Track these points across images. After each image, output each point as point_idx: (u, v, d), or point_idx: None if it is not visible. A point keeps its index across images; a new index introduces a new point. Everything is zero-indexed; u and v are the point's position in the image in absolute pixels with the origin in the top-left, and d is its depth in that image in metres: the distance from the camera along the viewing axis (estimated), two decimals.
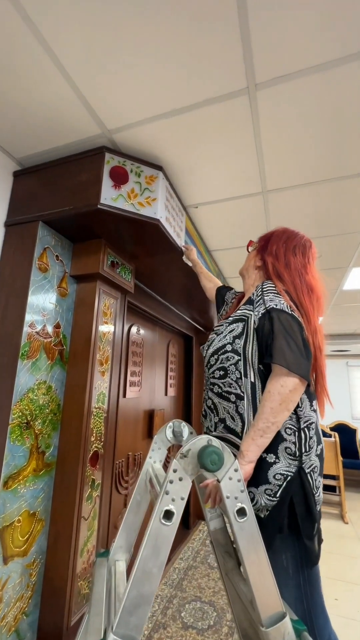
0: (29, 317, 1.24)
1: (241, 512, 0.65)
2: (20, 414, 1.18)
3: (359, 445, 4.75)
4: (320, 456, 0.87)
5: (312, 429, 0.86)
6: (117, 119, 1.21)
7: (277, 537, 0.80)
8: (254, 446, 0.78)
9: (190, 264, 1.67)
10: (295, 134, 1.26)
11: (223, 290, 1.41)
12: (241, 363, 0.90)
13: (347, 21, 0.88)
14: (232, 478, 0.66)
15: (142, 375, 2.34)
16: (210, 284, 1.54)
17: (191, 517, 2.95)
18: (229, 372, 0.92)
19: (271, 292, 0.91)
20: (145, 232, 1.40)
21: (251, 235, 2.07)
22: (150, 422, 2.43)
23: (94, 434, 1.39)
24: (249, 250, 1.20)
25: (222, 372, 0.94)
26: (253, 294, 0.98)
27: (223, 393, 0.93)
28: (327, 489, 4.12)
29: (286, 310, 0.85)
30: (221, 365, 0.94)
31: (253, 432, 0.79)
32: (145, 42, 0.94)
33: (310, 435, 0.84)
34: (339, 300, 3.46)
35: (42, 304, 1.31)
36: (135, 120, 1.21)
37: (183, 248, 1.62)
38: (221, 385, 0.94)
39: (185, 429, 0.99)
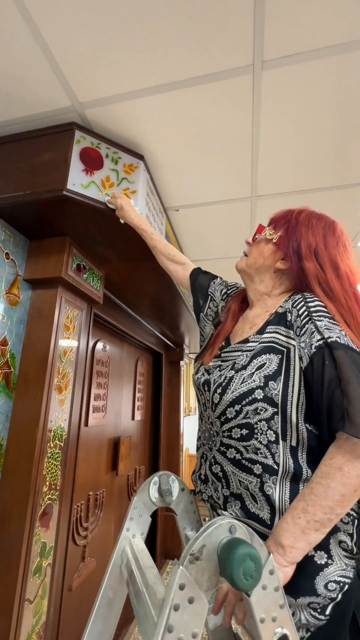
0: None
1: None
2: None
3: None
4: None
5: None
6: (92, 90, 0.98)
7: None
8: (303, 542, 0.52)
9: (123, 220, 1.07)
10: (296, 129, 1.12)
11: (202, 278, 1.00)
12: (278, 419, 0.62)
13: None
14: (266, 587, 0.43)
15: (107, 399, 2.03)
16: (176, 265, 1.07)
17: (157, 555, 2.62)
18: (256, 431, 0.63)
19: (325, 317, 0.63)
20: (121, 231, 1.17)
21: (233, 245, 1.93)
22: (115, 452, 2.12)
23: (47, 482, 1.08)
24: (258, 237, 0.81)
25: (245, 432, 0.64)
26: (288, 311, 0.69)
27: (243, 461, 0.64)
28: None
29: (353, 346, 0.58)
30: (246, 421, 0.64)
31: (306, 521, 0.52)
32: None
33: None
34: None
35: None
36: (115, 94, 0.99)
37: (108, 203, 1.05)
38: (242, 449, 0.65)
39: (175, 485, 0.74)
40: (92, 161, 1.05)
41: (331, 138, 1.15)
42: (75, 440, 1.28)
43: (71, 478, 1.24)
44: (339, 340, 0.59)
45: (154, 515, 0.74)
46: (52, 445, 1.12)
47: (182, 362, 3.28)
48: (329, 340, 0.59)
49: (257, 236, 0.82)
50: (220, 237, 1.84)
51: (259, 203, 1.53)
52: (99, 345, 1.96)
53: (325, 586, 0.54)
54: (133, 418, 2.47)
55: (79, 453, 1.32)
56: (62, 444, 1.18)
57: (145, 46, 0.86)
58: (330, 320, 0.63)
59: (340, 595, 0.54)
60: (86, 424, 1.72)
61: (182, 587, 0.40)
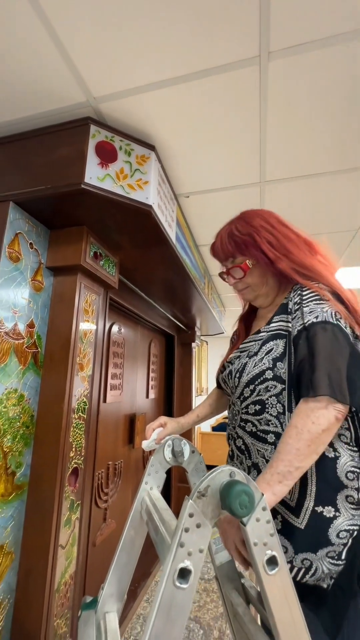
0: None
1: (272, 562, 0.53)
2: None
3: None
4: None
5: None
6: (105, 85, 1.03)
7: (351, 607, 0.64)
8: (269, 494, 0.60)
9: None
10: (302, 117, 1.15)
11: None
12: (285, 394, 0.71)
13: None
14: (260, 519, 0.53)
15: (123, 378, 2.17)
16: (207, 407, 1.06)
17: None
18: (267, 405, 0.73)
19: (312, 300, 0.72)
20: (134, 220, 1.24)
21: None
22: (131, 428, 2.27)
23: (74, 449, 1.22)
24: (245, 269, 0.86)
25: (258, 407, 0.75)
26: (289, 298, 0.78)
27: (258, 432, 0.75)
28: None
29: (330, 319, 0.67)
30: (258, 397, 0.75)
31: (269, 474, 0.61)
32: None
33: None
34: None
35: (13, 299, 1.12)
36: (127, 88, 1.04)
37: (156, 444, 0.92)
38: (256, 422, 0.75)
39: (187, 448, 0.85)
40: (107, 154, 1.12)
41: (338, 122, 1.17)
42: (95, 415, 1.41)
43: (93, 447, 1.38)
44: (315, 321, 0.68)
45: (168, 477, 0.85)
46: (76, 417, 1.25)
47: (193, 344, 3.39)
48: (307, 323, 0.68)
49: (240, 273, 0.87)
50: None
51: (268, 188, 1.56)
52: (115, 328, 2.07)
53: (337, 535, 0.64)
54: (147, 396, 2.62)
55: (99, 426, 1.46)
56: (85, 416, 1.31)
57: (155, 41, 0.90)
58: (317, 302, 0.71)
59: (350, 540, 0.63)
60: (104, 401, 1.86)
61: (191, 515, 0.50)
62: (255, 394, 0.76)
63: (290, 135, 1.23)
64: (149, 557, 2.33)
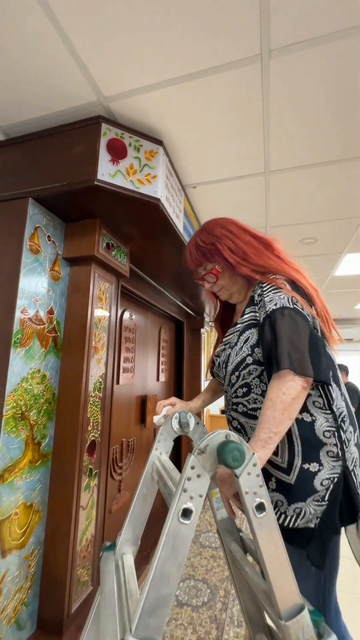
0: (21, 302, 1.16)
1: (260, 508, 0.63)
2: (15, 404, 1.12)
3: None
4: (359, 444, 0.83)
5: (347, 420, 0.81)
6: (115, 85, 1.10)
7: (333, 541, 0.77)
8: (260, 450, 0.71)
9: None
10: (305, 109, 1.19)
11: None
12: (265, 374, 0.81)
13: None
14: (250, 473, 0.64)
15: (135, 362, 2.29)
16: (209, 393, 1.19)
17: None
18: (252, 387, 0.84)
19: (270, 291, 0.82)
20: (144, 212, 1.32)
21: (249, 217, 2.02)
22: (142, 408, 2.41)
23: (91, 423, 1.35)
24: (216, 274, 0.97)
25: (245, 389, 0.85)
26: (254, 292, 0.89)
27: (248, 411, 0.85)
28: None
29: (287, 304, 0.78)
30: (244, 381, 0.85)
31: (254, 442, 0.72)
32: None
33: (346, 427, 0.80)
34: (328, 287, 3.48)
35: (34, 289, 1.23)
36: (136, 87, 1.11)
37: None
38: (245, 403, 0.86)
39: (192, 420, 0.96)
40: (117, 151, 1.19)
41: (341, 113, 1.20)
42: (109, 395, 1.54)
43: (108, 424, 1.51)
44: (274, 308, 0.78)
45: (179, 448, 0.97)
46: (93, 395, 1.37)
47: (202, 330, 3.48)
48: (269, 311, 0.79)
49: (212, 278, 0.99)
50: (236, 210, 1.93)
51: (273, 177, 1.61)
52: (126, 314, 2.18)
53: (321, 483, 0.76)
54: (158, 379, 2.75)
55: (113, 406, 1.59)
56: (100, 395, 1.43)
57: (162, 42, 0.96)
58: (274, 292, 0.82)
59: (332, 485, 0.75)
60: (117, 382, 1.99)
61: (192, 467, 0.61)
62: (240, 379, 0.87)
63: (293, 126, 1.27)
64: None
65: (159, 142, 1.29)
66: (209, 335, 4.40)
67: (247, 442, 0.83)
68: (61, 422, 1.29)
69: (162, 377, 2.85)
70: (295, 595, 0.63)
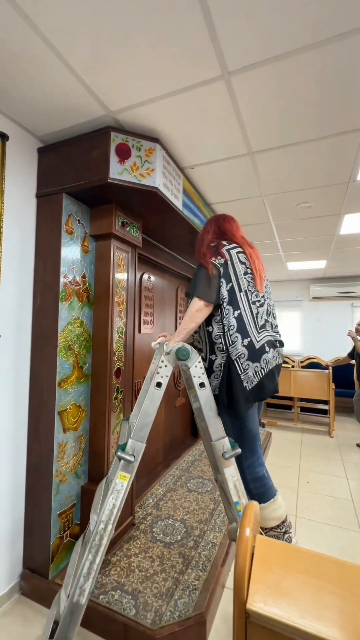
0: (63, 270, 1.66)
1: (202, 385, 1.13)
2: (64, 340, 1.67)
3: (355, 379, 5.26)
4: (248, 346, 1.29)
5: (233, 329, 1.29)
6: (117, 102, 1.46)
7: (222, 404, 1.31)
8: (177, 337, 1.32)
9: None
10: (270, 107, 1.47)
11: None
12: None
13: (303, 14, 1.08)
14: (197, 366, 1.13)
15: (154, 316, 2.80)
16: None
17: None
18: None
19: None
20: (147, 198, 1.72)
21: (245, 188, 2.31)
22: None
23: (117, 355, 1.90)
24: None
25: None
26: None
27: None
28: (320, 411, 4.75)
29: (203, 264, 1.43)
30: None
31: (177, 333, 1.34)
32: (137, 43, 1.18)
33: (232, 334, 1.28)
34: (338, 245, 3.66)
35: (71, 259, 1.73)
36: (133, 103, 1.46)
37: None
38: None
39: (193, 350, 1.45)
40: (123, 153, 1.58)
41: (296, 108, 1.47)
42: (131, 338, 2.06)
43: (131, 359, 2.05)
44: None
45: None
46: (117, 336, 1.90)
47: None
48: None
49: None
50: (233, 184, 2.24)
51: (257, 156, 1.90)
52: (145, 277, 2.65)
53: (216, 367, 1.29)
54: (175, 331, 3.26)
55: (135, 349, 2.12)
56: (123, 337, 1.96)
57: (146, 71, 1.29)
58: (204, 256, 1.41)
59: (221, 368, 1.28)
60: (139, 331, 2.52)
61: (162, 361, 1.10)
62: None
63: (261, 120, 1.56)
64: (184, 445, 3.18)
65: (156, 140, 1.65)
66: None
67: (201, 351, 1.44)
68: (96, 353, 1.85)
69: None
70: (221, 431, 1.14)
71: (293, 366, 5.25)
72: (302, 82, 1.34)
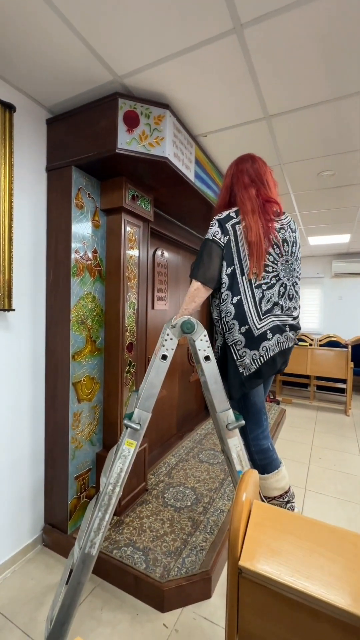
0: (74, 245, 1.68)
1: (207, 359, 1.13)
2: (77, 314, 1.71)
3: None
4: (245, 333, 1.27)
5: (230, 316, 1.28)
6: (124, 65, 1.39)
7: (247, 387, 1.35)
8: (180, 313, 1.34)
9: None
10: (286, 62, 1.36)
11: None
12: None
13: None
14: (202, 339, 1.13)
15: (168, 292, 2.80)
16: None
17: None
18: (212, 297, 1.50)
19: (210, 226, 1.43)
20: (157, 168, 1.68)
21: (262, 156, 2.19)
22: None
23: (128, 330, 1.93)
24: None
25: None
26: None
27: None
28: (337, 390, 4.69)
29: (208, 237, 1.36)
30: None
31: (180, 311, 1.34)
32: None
33: (228, 321, 1.28)
34: None
35: (82, 234, 1.73)
36: (141, 65, 1.39)
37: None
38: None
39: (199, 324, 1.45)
40: (131, 121, 1.52)
41: (320, 60, 1.35)
42: (144, 314, 2.08)
43: (143, 334, 2.08)
44: (204, 237, 1.32)
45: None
46: (129, 311, 1.92)
47: None
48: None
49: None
50: (249, 151, 2.13)
51: (274, 120, 1.78)
52: (158, 253, 2.63)
53: (217, 347, 1.33)
54: None
55: (148, 325, 2.14)
56: (134, 312, 1.98)
57: (154, 29, 1.22)
58: (210, 227, 1.37)
59: (219, 349, 1.33)
60: (153, 307, 2.54)
61: (168, 334, 1.11)
62: None
63: (278, 77, 1.45)
64: (197, 419, 3.26)
65: (166, 106, 1.57)
66: None
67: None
68: (108, 328, 1.89)
69: None
70: (225, 402, 1.15)
71: (311, 344, 5.16)
72: (321, 33, 1.22)
